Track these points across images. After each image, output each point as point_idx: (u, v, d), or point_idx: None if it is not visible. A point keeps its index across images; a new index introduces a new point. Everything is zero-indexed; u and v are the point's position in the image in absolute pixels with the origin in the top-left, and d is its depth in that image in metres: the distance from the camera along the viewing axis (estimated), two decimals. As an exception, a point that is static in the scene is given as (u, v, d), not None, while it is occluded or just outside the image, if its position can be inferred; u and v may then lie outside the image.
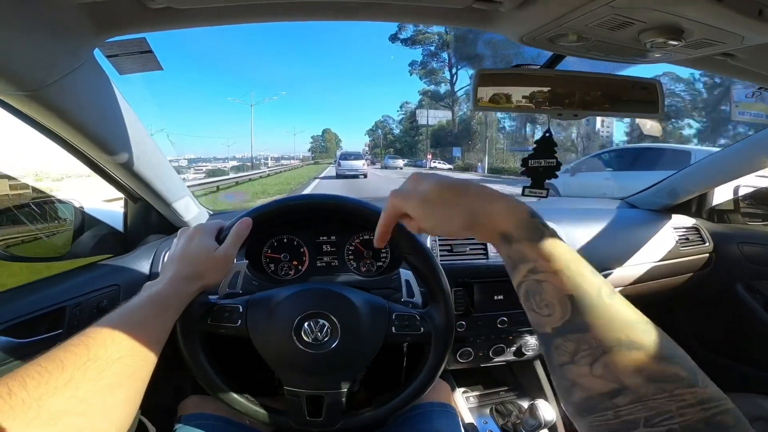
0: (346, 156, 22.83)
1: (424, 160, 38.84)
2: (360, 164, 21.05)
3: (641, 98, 0.70)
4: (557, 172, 0.79)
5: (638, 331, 0.32)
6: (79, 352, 0.39)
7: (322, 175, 23.42)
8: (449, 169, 32.36)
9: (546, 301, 0.35)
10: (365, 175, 20.41)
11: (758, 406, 0.89)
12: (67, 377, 0.36)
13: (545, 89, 0.70)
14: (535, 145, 0.76)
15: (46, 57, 0.51)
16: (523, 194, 0.81)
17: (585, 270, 0.35)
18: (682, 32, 0.52)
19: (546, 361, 0.36)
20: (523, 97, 0.70)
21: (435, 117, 46.25)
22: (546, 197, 0.80)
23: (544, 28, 0.57)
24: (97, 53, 0.60)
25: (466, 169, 30.89)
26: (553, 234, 0.38)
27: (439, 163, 36.70)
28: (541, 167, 0.79)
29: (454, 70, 45.72)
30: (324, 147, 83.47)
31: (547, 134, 0.76)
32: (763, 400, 0.91)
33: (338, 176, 20.43)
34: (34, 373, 0.35)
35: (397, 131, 66.75)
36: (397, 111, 68.45)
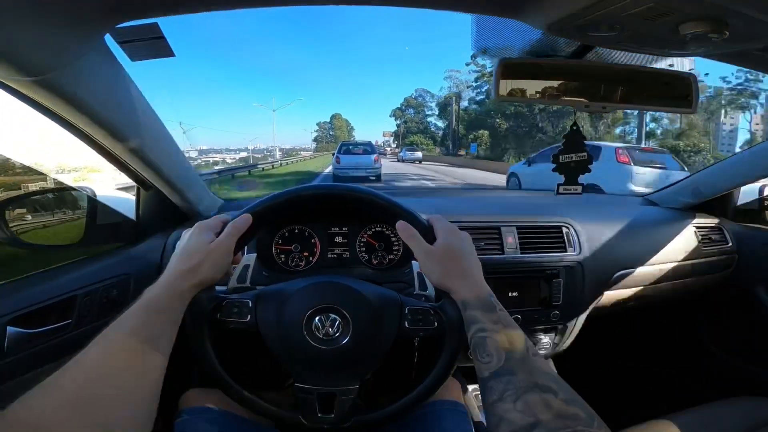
0: (350, 148, 14.92)
1: None
2: (371, 161, 13.75)
3: (674, 92, 0.67)
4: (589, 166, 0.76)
5: (550, 381, 0.43)
6: (77, 369, 0.41)
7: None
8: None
9: (487, 352, 0.47)
10: (378, 177, 13.72)
11: None
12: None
13: (572, 81, 0.67)
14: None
15: (54, 43, 0.50)
16: (557, 193, 0.78)
17: (518, 333, 0.48)
18: (725, 25, 0.48)
19: (482, 401, 0.46)
20: (549, 88, 0.67)
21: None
22: (581, 194, 0.77)
23: (574, 17, 0.53)
24: (109, 40, 0.58)
25: None
26: (501, 309, 0.52)
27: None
28: (572, 162, 0.76)
29: None
30: (332, 136, 67.47)
31: (575, 127, 0.73)
32: None
33: (336, 179, 12.90)
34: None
35: (467, 104, 42.14)
36: (466, 66, 42.37)
